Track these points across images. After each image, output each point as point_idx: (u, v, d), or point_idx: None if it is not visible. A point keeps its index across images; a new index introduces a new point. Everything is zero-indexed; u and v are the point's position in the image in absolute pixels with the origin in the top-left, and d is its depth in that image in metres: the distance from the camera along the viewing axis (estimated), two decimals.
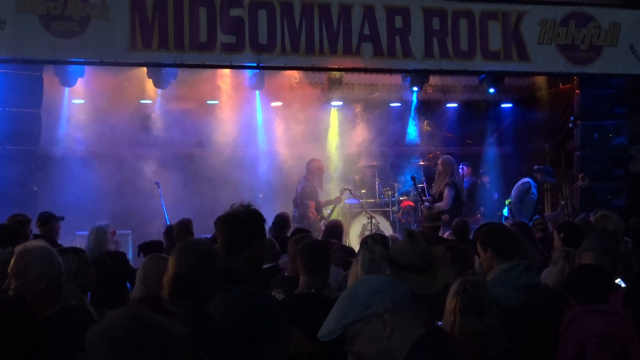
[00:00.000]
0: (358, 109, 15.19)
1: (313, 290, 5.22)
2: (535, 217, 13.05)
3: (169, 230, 9.89)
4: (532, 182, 13.55)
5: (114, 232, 9.29)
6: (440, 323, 4.32)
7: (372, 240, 6.93)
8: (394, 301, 2.78)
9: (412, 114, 15.28)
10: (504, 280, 5.19)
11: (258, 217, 4.24)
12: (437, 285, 4.21)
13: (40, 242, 4.65)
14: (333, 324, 2.79)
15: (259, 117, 14.71)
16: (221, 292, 3.86)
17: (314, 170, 13.25)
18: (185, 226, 9.44)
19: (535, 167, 13.82)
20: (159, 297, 4.17)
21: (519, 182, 13.70)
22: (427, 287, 4.03)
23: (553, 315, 4.67)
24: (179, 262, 4.00)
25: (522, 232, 7.88)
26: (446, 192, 12.85)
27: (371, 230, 13.00)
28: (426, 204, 12.96)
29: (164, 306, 4.00)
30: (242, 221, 4.16)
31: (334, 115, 15.51)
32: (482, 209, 14.99)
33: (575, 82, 14.15)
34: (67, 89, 12.82)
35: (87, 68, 11.93)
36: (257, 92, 14.05)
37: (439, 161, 13.40)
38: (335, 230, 9.30)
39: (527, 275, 5.27)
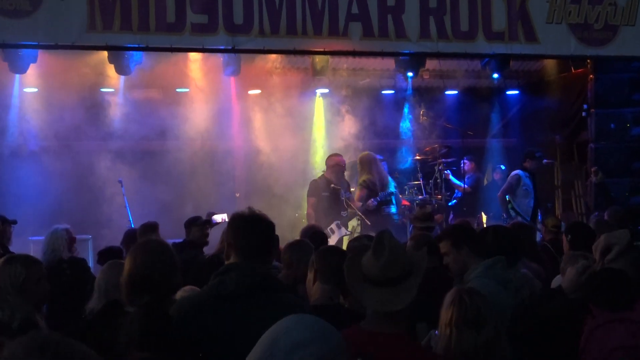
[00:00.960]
0: (346, 97, 15.17)
1: (336, 301, 5.30)
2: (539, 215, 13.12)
3: (129, 236, 9.78)
4: (521, 172, 13.67)
5: (74, 239, 9.25)
6: (436, 332, 4.34)
7: (360, 243, 6.93)
8: (319, 358, 2.60)
9: (407, 102, 15.29)
10: (488, 275, 5.26)
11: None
12: (406, 300, 4.20)
13: None
14: None
15: (235, 106, 14.67)
16: (265, 300, 4.18)
17: (331, 167, 13.47)
18: (150, 229, 9.40)
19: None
20: (119, 302, 4.46)
21: (512, 175, 13.84)
22: (397, 302, 3.99)
23: (571, 323, 4.68)
24: (133, 261, 4.43)
25: (522, 234, 7.89)
26: (358, 192, 12.96)
27: (361, 233, 12.99)
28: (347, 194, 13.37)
29: (124, 310, 4.32)
30: (269, 226, 4.47)
31: (319, 104, 15.51)
32: (490, 214, 15.02)
33: (588, 65, 14.20)
34: (17, 76, 12.76)
35: (40, 52, 11.84)
36: (232, 78, 14.02)
37: (357, 159, 13.50)
38: (313, 236, 8.88)
39: (509, 270, 5.38)
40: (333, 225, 12.74)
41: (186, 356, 3.89)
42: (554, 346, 4.76)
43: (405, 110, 15.41)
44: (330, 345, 2.65)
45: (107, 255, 8.17)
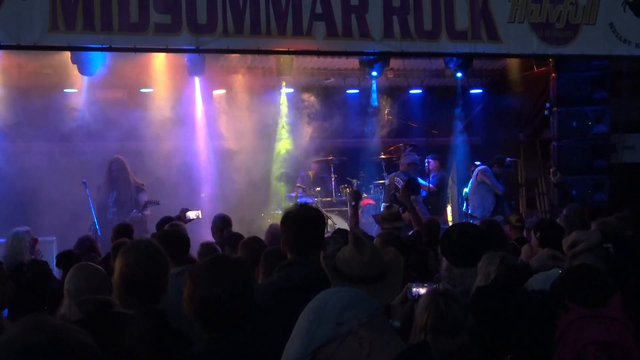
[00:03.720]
0: (311, 96, 15.12)
1: None
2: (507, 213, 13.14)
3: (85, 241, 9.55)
4: (488, 169, 13.78)
5: (36, 241, 9.10)
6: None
7: (334, 241, 6.83)
8: (369, 315, 2.65)
9: (371, 101, 15.24)
10: None
11: None
12: (393, 295, 4.13)
13: None
14: (299, 350, 2.63)
15: (199, 106, 14.55)
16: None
17: (407, 165, 14.06)
18: (125, 231, 9.26)
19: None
20: (110, 302, 4.54)
21: (478, 170, 13.90)
22: (381, 299, 3.93)
23: (546, 318, 4.63)
24: (126, 262, 4.52)
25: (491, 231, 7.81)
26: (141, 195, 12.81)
27: (326, 231, 12.92)
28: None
29: (115, 310, 4.43)
30: (322, 221, 4.81)
31: (284, 103, 15.43)
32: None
33: (551, 64, 14.24)
34: None
35: (1, 52, 11.69)
36: (196, 78, 13.90)
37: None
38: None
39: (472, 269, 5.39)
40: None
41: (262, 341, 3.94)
42: (529, 339, 4.70)
43: (370, 109, 15.36)
44: (375, 304, 2.76)
45: (66, 258, 8.08)
